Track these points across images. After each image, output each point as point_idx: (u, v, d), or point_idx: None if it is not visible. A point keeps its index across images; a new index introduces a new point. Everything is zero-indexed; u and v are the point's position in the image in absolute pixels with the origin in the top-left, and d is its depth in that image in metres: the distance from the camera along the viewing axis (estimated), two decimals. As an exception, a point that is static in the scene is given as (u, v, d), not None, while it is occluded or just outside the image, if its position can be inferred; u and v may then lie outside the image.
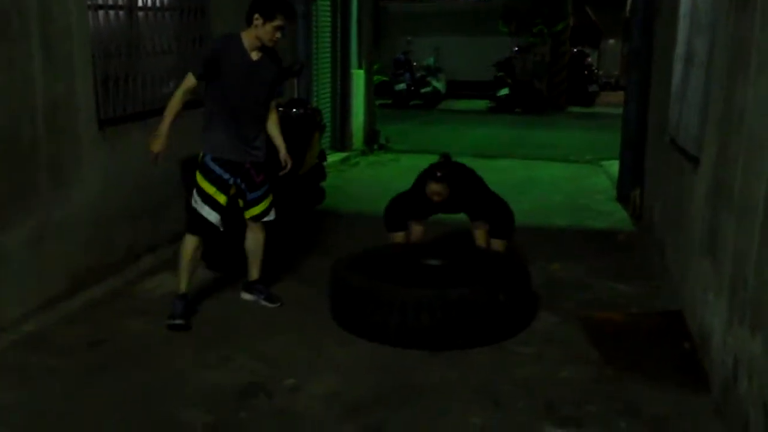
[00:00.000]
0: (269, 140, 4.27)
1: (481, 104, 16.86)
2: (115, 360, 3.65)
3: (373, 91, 10.97)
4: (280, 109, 5.55)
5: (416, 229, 4.82)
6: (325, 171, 6.41)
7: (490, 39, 18.02)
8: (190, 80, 3.95)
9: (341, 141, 9.97)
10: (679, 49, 4.95)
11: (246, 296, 4.45)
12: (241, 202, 4.22)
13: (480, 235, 4.72)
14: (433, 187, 4.58)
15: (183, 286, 4.13)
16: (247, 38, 3.97)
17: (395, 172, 8.83)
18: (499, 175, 8.74)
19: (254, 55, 3.99)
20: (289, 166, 4.29)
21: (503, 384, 3.48)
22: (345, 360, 3.71)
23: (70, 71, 4.28)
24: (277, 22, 3.89)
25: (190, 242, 4.11)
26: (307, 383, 3.46)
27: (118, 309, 4.30)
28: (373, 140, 10.61)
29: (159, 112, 5.23)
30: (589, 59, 18.11)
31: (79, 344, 3.79)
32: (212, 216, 4.06)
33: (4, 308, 3.87)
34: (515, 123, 14.43)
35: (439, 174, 4.54)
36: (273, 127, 4.29)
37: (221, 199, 4.06)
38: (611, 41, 19.75)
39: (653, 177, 6.00)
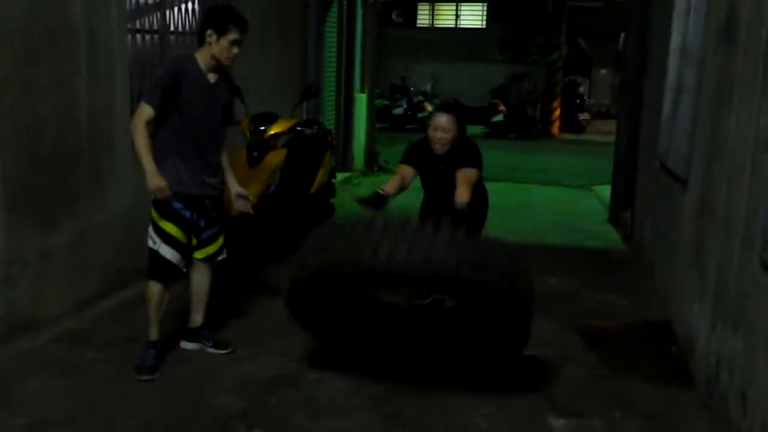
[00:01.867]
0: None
1: (476, 130, 17.30)
2: (152, 353, 3.96)
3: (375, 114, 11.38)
4: (298, 128, 5.93)
5: (408, 173, 4.29)
6: (335, 188, 6.77)
7: (486, 66, 18.54)
8: (146, 111, 3.55)
9: (344, 161, 10.33)
10: (670, 81, 5.37)
11: (188, 345, 4.00)
12: (194, 240, 3.83)
13: (463, 181, 4.11)
14: (439, 120, 4.13)
15: (154, 334, 3.80)
16: (202, 59, 3.67)
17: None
18: (495, 197, 9.05)
19: (211, 78, 3.70)
20: (246, 204, 3.96)
21: (508, 381, 3.82)
22: (363, 358, 4.02)
23: (111, 87, 4.64)
24: (231, 36, 3.60)
25: (154, 289, 3.76)
26: (331, 377, 3.79)
27: (148, 309, 4.61)
28: (373, 161, 10.99)
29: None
30: (581, 88, 18.64)
31: (117, 340, 4.11)
32: (175, 257, 3.72)
33: (46, 305, 4.19)
34: (510, 148, 14.85)
35: (447, 106, 4.33)
36: (223, 159, 3.91)
37: (182, 237, 3.73)
38: (602, 71, 20.31)
39: (644, 199, 6.39)
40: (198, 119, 3.68)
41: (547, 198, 9.55)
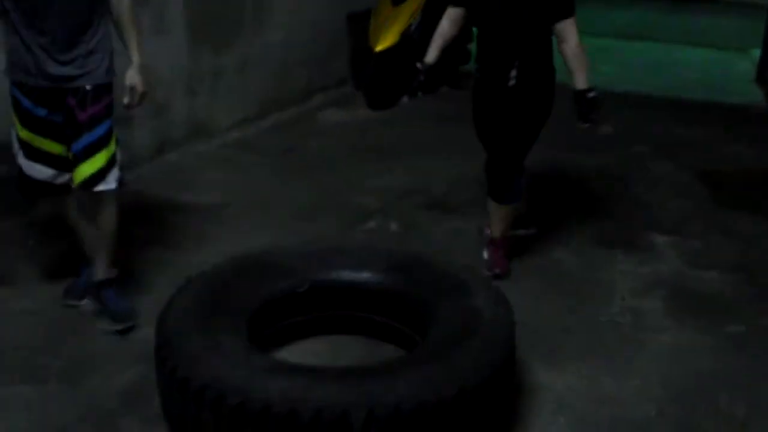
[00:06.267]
0: None
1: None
2: (304, 163, 4.65)
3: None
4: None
5: (454, 25, 3.23)
6: (472, 35, 7.00)
7: None
8: None
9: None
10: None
11: (75, 302, 2.92)
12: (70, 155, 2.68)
13: (574, 56, 3.04)
14: None
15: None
16: None
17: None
18: (638, 54, 9.04)
19: None
20: (138, 93, 2.70)
21: (617, 204, 4.17)
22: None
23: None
24: None
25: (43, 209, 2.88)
26: (454, 190, 4.29)
27: (300, 131, 5.28)
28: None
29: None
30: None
31: (275, 150, 4.81)
32: (42, 172, 2.70)
33: (218, 117, 4.92)
34: (661, 8, 14.11)
35: None
36: (125, 27, 2.69)
37: (48, 146, 2.67)
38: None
39: (792, 54, 6.18)
40: None
41: (696, 58, 9.24)
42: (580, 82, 3.04)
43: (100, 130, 2.64)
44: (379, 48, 5.64)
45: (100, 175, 2.65)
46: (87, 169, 2.63)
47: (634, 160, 4.90)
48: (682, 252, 3.63)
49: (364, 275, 2.61)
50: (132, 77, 2.69)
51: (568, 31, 3.02)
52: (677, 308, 3.11)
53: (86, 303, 2.91)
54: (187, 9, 4.47)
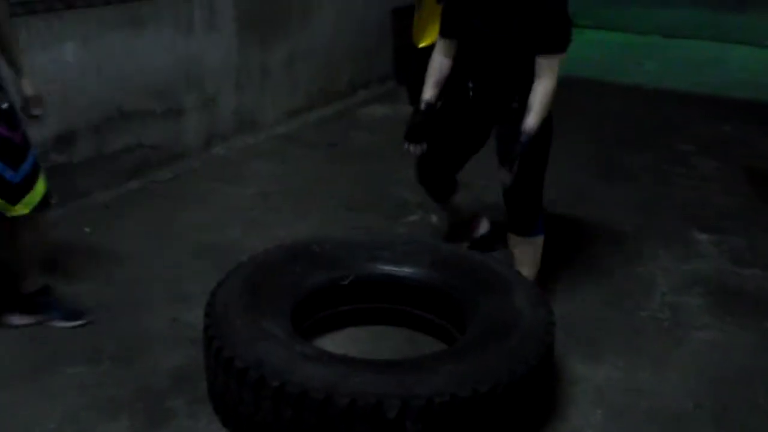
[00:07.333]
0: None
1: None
2: (347, 155, 4.74)
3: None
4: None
5: (447, 58, 2.87)
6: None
7: None
8: None
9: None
10: None
11: (17, 320, 2.76)
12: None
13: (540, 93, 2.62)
14: None
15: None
16: None
17: (583, 44, 9.16)
18: (684, 52, 8.94)
19: None
20: (41, 99, 2.58)
21: (660, 201, 4.16)
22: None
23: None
24: None
25: None
26: (494, 185, 4.30)
27: (344, 125, 5.38)
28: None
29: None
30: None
31: (320, 143, 4.91)
32: None
33: (266, 111, 5.04)
34: (710, 4, 13.83)
35: None
36: (5, 36, 2.52)
37: None
38: None
39: None
40: None
41: (742, 57, 9.08)
42: (529, 123, 2.61)
43: (34, 147, 2.57)
44: (422, 45, 5.65)
45: (48, 196, 2.62)
46: (41, 188, 2.57)
47: (679, 156, 4.88)
48: (724, 249, 3.62)
49: (407, 270, 2.71)
50: (30, 84, 2.56)
51: (548, 69, 2.58)
52: (718, 305, 3.12)
53: (16, 320, 2.77)
54: (236, 5, 4.60)
